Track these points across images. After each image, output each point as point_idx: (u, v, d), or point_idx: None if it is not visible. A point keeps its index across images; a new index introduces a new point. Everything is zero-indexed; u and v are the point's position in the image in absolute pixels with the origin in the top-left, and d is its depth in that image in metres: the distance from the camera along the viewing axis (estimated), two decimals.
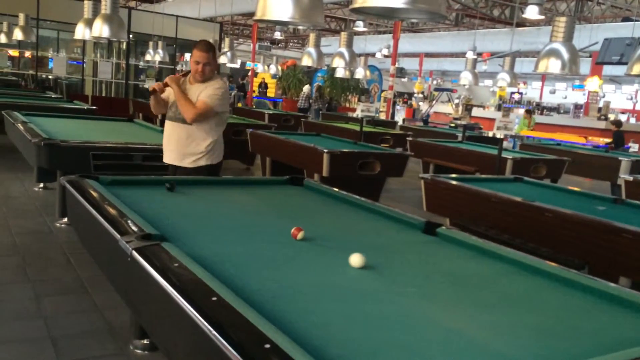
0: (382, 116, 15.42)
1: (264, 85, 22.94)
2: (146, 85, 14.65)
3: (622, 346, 1.50)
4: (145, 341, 2.78)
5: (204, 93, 3.69)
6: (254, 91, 19.43)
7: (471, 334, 1.59)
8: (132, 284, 2.05)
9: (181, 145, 3.79)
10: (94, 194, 2.70)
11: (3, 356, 2.67)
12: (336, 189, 3.45)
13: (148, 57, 13.49)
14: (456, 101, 21.99)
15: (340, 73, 13.27)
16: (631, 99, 29.51)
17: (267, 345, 1.29)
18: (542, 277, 2.15)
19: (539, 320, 1.75)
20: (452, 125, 15.20)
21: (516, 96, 23.60)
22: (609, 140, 12.04)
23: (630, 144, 12.31)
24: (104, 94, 15.32)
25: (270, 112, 12.78)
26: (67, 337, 2.90)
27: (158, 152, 4.16)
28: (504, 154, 7.05)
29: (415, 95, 23.94)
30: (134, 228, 2.14)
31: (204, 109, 3.68)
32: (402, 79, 28.02)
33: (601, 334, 1.68)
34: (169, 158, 3.89)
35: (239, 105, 17.50)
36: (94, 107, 8.08)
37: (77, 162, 4.31)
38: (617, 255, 3.20)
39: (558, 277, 2.12)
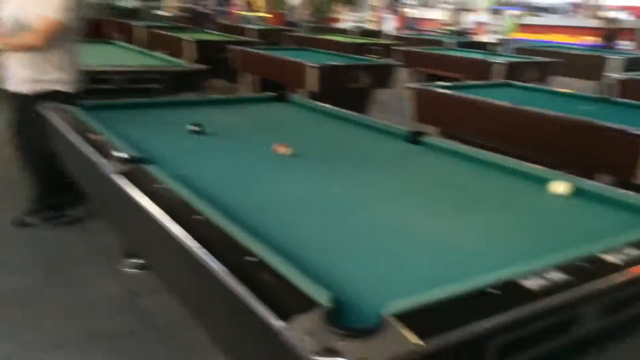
0: (372, 26, 15.01)
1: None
2: None
3: (595, 239, 1.53)
4: (135, 260, 2.82)
5: (38, 6, 2.93)
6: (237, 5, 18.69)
7: (451, 235, 1.65)
8: (117, 207, 2.08)
9: (31, 69, 3.10)
10: (74, 120, 2.66)
11: None
12: (322, 104, 3.42)
13: None
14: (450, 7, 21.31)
15: None
16: None
17: (251, 258, 1.32)
18: (519, 177, 2.19)
19: (517, 219, 1.81)
20: (444, 31, 14.83)
21: None
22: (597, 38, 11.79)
23: (620, 42, 12.08)
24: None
25: (256, 27, 12.38)
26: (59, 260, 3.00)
27: (141, 75, 4.25)
28: (495, 59, 6.95)
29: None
30: (117, 151, 2.13)
31: (51, 26, 2.95)
32: None
33: (575, 229, 1.73)
34: (13, 85, 3.18)
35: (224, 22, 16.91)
36: None
37: None
38: (596, 153, 3.25)
39: (535, 177, 2.15)
